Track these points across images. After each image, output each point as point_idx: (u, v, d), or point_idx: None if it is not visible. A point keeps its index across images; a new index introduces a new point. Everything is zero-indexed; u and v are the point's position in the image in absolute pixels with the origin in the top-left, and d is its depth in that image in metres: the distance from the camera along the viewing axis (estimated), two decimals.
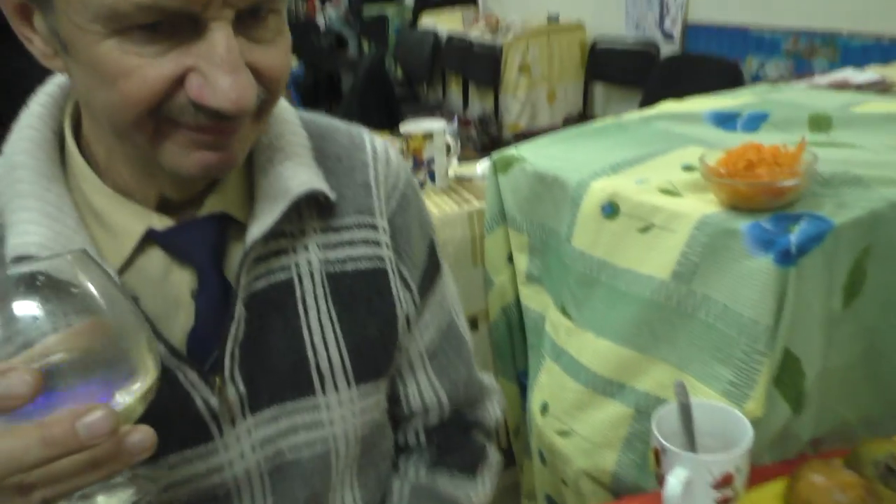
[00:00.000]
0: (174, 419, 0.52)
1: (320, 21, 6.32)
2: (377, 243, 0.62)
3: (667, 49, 3.15)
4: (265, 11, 0.46)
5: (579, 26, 3.71)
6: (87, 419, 0.32)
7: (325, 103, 5.03)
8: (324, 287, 0.58)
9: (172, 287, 0.53)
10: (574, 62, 3.70)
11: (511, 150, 1.31)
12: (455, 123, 2.98)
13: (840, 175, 0.97)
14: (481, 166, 1.59)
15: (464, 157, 1.98)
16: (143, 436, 0.35)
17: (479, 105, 4.11)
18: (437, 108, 4.20)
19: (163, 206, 0.54)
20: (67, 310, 0.35)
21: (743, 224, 0.89)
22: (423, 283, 0.67)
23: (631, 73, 3.32)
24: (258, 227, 0.53)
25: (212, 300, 0.53)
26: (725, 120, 1.26)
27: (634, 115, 1.39)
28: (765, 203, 0.92)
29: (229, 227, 0.56)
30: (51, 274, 0.36)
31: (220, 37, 0.43)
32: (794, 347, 0.87)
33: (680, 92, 1.62)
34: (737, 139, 1.14)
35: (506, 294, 1.36)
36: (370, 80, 3.13)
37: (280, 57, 0.48)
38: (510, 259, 1.34)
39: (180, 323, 0.53)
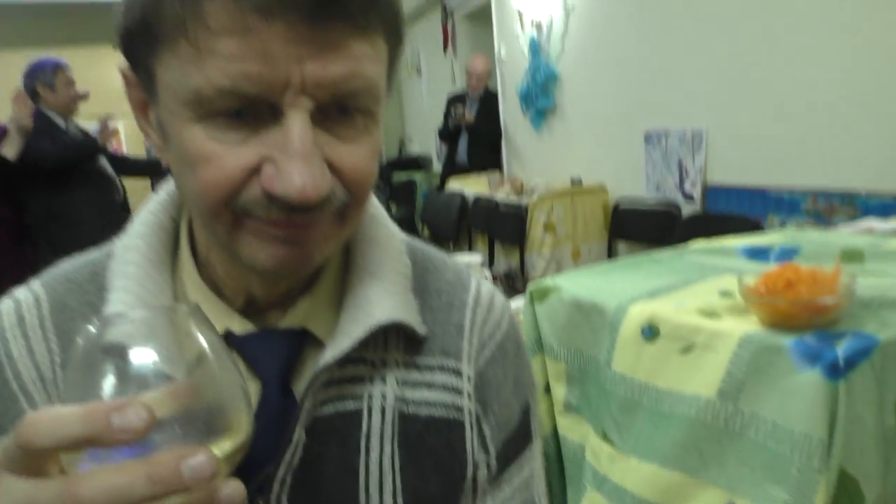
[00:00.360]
0: None
1: None
2: (458, 391, 0.56)
3: (688, 209, 3.27)
4: (351, 108, 0.45)
5: (602, 188, 3.89)
6: (191, 461, 0.32)
7: None
8: (393, 427, 0.54)
9: None
10: (597, 222, 3.84)
11: (547, 281, 1.35)
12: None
13: (879, 298, 0.98)
14: (516, 301, 1.62)
15: None
16: (235, 489, 0.34)
17: (504, 262, 4.21)
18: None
19: (250, 307, 0.53)
20: (177, 359, 0.36)
21: (787, 340, 0.90)
22: (506, 449, 0.60)
23: (654, 232, 3.43)
24: (332, 352, 0.51)
25: (271, 418, 0.50)
26: (758, 253, 1.30)
27: (667, 251, 1.43)
28: (806, 321, 0.93)
29: (308, 343, 0.53)
30: (161, 324, 0.37)
31: (295, 126, 0.42)
32: (850, 467, 0.84)
33: None
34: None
35: (543, 425, 1.33)
36: None
37: (362, 158, 0.47)
38: (547, 389, 1.33)
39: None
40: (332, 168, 0.45)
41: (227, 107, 0.42)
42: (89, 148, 3.24)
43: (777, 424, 0.88)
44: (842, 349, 0.85)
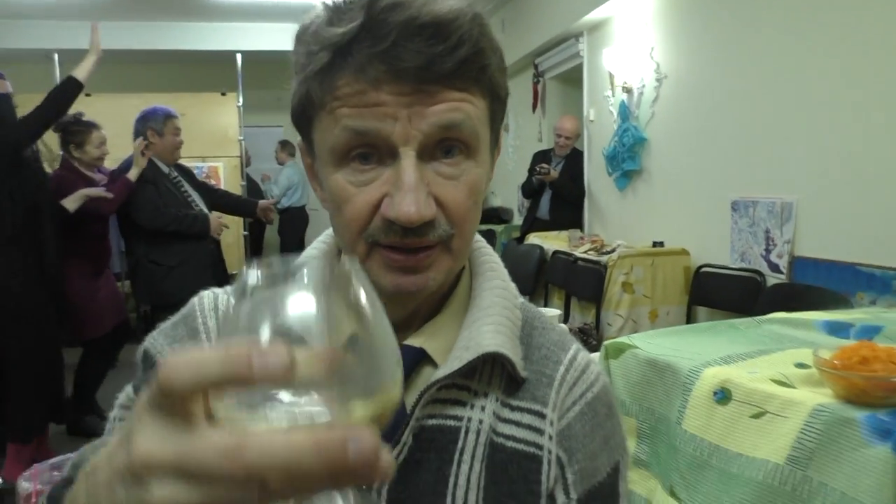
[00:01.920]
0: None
1: None
2: (540, 431, 0.63)
3: (773, 279, 3.22)
4: (451, 145, 0.56)
5: (684, 251, 3.88)
6: (357, 436, 0.31)
7: None
8: (484, 450, 0.61)
9: None
10: (678, 285, 3.81)
11: (623, 339, 1.40)
12: None
13: None
14: (594, 354, 1.66)
15: None
16: (388, 462, 0.33)
17: (579, 318, 4.22)
18: None
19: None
20: (340, 314, 0.37)
21: (860, 414, 0.92)
22: (589, 499, 0.65)
23: (736, 299, 3.38)
24: (444, 370, 0.59)
25: None
26: (839, 329, 1.31)
27: (746, 318, 1.46)
28: (880, 398, 0.95)
29: (424, 361, 0.62)
30: (326, 275, 0.37)
31: (407, 164, 0.54)
32: None
33: None
34: None
35: None
36: None
37: (461, 192, 0.57)
38: None
39: None
40: (437, 202, 0.56)
41: (355, 148, 0.55)
42: (193, 227, 3.40)
43: (845, 495, 0.90)
44: None
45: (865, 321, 1.32)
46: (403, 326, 0.63)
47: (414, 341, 0.63)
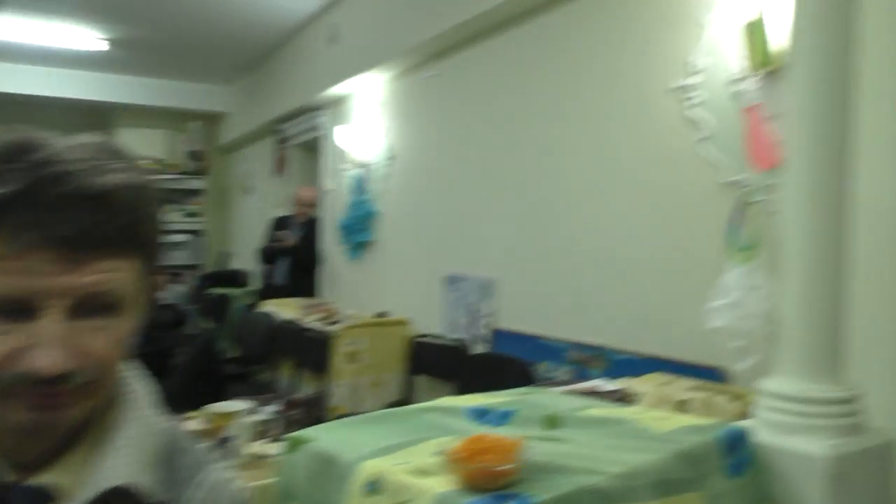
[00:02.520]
0: None
1: (164, 296, 6.50)
2: None
3: (478, 348, 3.57)
4: (99, 308, 0.59)
5: (403, 322, 4.14)
6: None
7: (155, 376, 4.96)
8: None
9: None
10: (398, 354, 4.05)
11: (302, 431, 1.48)
12: (280, 404, 3.11)
13: (550, 464, 1.22)
14: (278, 447, 1.72)
15: (279, 436, 2.10)
16: None
17: (309, 387, 4.27)
18: (267, 389, 4.31)
19: (22, 464, 0.62)
20: None
21: (466, 501, 1.09)
22: None
23: (447, 367, 3.68)
24: None
25: None
26: (480, 415, 1.52)
27: (412, 406, 1.62)
28: (487, 483, 1.13)
29: (54, 499, 0.62)
30: None
31: (48, 320, 0.57)
32: None
33: (486, 384, 1.93)
34: (486, 431, 1.38)
35: None
36: (200, 358, 3.26)
37: (106, 345, 0.60)
38: None
39: None
40: (83, 353, 0.58)
41: None
42: None
43: None
44: None
45: (504, 406, 1.55)
46: (34, 464, 0.63)
47: (42, 478, 0.62)
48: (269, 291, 5.17)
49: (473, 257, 3.71)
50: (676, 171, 2.56)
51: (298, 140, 5.97)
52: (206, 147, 7.61)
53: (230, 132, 7.31)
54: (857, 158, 1.55)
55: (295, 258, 5.13)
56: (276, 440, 2.07)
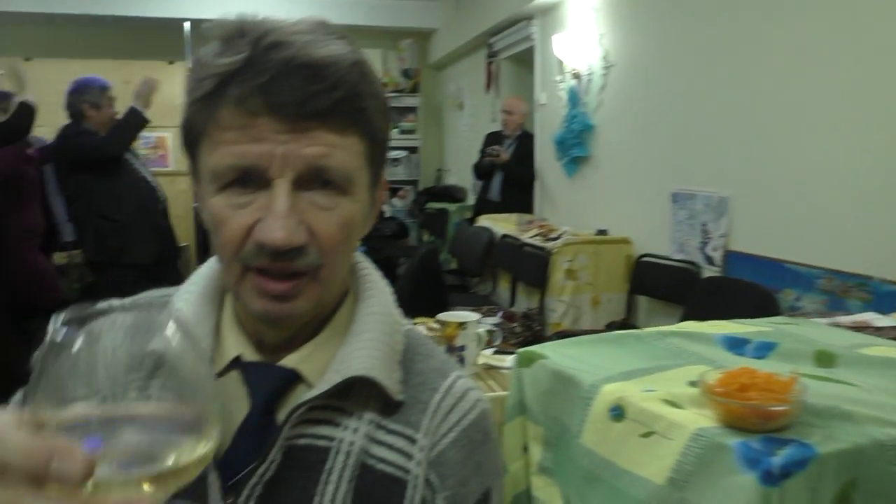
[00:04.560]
0: None
1: (386, 209, 6.85)
2: (409, 456, 0.65)
3: (708, 271, 3.30)
4: (325, 181, 0.59)
5: (626, 240, 3.95)
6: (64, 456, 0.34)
7: None
8: (353, 471, 0.63)
9: (234, 409, 0.64)
10: (619, 273, 3.88)
11: (535, 348, 1.43)
12: (499, 317, 3.13)
13: (832, 409, 1.04)
14: (510, 359, 1.70)
15: (504, 349, 2.11)
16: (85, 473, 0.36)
17: (525, 302, 4.28)
18: (485, 301, 4.39)
19: (262, 345, 0.66)
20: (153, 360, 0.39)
21: (733, 441, 0.96)
22: None
23: (673, 290, 3.47)
24: (311, 392, 0.62)
25: (251, 433, 0.62)
26: (736, 344, 1.36)
27: (654, 329, 1.50)
28: (756, 425, 0.99)
29: (299, 383, 0.65)
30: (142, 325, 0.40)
31: (279, 191, 0.57)
32: None
33: (718, 312, 1.74)
34: (743, 364, 1.23)
35: (518, 483, 1.40)
36: (423, 267, 3.37)
37: (331, 226, 0.60)
38: (525, 449, 1.40)
39: (224, 440, 0.62)
40: (310, 231, 0.59)
41: (233, 177, 0.59)
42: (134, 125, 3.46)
43: None
44: (780, 458, 0.91)
45: (763, 336, 1.37)
46: (283, 347, 0.66)
47: (288, 362, 0.65)
48: (484, 207, 5.20)
49: (703, 173, 3.39)
50: None
51: (509, 53, 5.81)
52: (419, 65, 7.72)
53: (441, 48, 7.32)
54: None
55: (508, 174, 5.08)
56: (499, 352, 2.07)
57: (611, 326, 3.84)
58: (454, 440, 0.67)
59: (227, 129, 0.58)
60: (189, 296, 0.68)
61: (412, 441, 0.65)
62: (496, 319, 3.17)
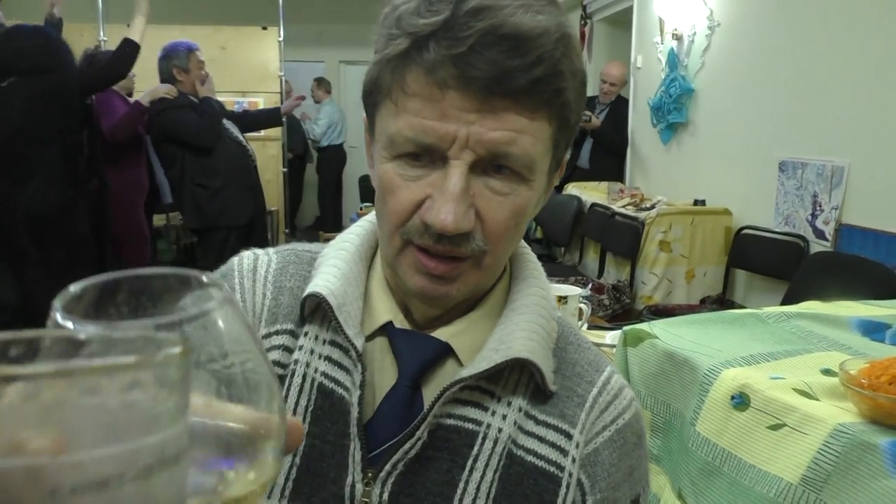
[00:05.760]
0: (324, 479, 0.58)
1: None
2: (564, 451, 0.61)
3: (817, 246, 3.09)
4: (504, 167, 0.55)
5: (726, 211, 3.74)
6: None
7: None
8: (499, 460, 0.59)
9: (382, 376, 0.61)
10: (717, 246, 3.69)
11: (644, 326, 1.34)
12: (589, 288, 3.03)
13: None
14: (611, 336, 1.61)
15: (592, 323, 2.02)
16: None
17: (614, 273, 4.15)
18: (572, 272, 4.29)
19: (409, 316, 0.63)
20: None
21: (883, 440, 0.86)
22: None
23: (777, 265, 3.27)
24: (469, 369, 0.58)
25: (397, 406, 0.60)
26: (874, 329, 1.23)
27: (775, 309, 1.38)
28: None
29: (450, 358, 0.61)
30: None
31: (454, 173, 0.53)
32: None
33: (829, 290, 1.59)
34: (883, 351, 1.11)
35: None
36: None
37: (502, 212, 0.56)
38: None
39: (364, 408, 0.59)
40: (479, 215, 0.55)
41: (409, 150, 0.55)
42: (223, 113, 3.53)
43: None
44: None
45: None
46: (433, 320, 0.63)
47: (441, 334, 0.62)
48: (573, 175, 5.04)
49: (815, 140, 3.14)
50: None
51: (605, 14, 5.57)
52: None
53: None
54: None
55: (599, 140, 4.90)
56: (590, 327, 1.99)
57: (705, 301, 3.67)
58: (609, 440, 0.62)
59: (413, 96, 0.54)
60: (344, 253, 0.65)
61: (568, 436, 0.61)
62: (585, 291, 3.07)
